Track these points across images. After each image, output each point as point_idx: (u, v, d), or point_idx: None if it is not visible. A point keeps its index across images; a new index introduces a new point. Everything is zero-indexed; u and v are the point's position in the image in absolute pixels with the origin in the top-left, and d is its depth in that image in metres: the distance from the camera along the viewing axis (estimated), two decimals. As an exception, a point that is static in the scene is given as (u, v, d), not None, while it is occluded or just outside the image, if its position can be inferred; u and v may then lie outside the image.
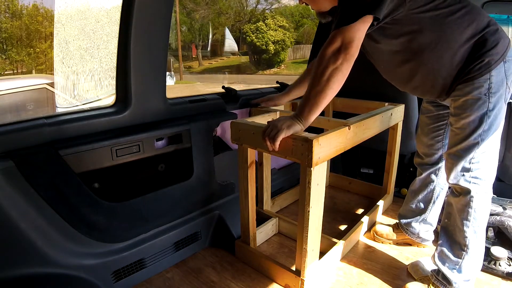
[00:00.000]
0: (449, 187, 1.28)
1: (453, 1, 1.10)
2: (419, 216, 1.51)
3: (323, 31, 2.32)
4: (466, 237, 1.18)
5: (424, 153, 1.46)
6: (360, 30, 1.02)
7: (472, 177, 1.16)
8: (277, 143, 1.10)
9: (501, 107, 1.13)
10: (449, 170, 1.21)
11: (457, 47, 1.10)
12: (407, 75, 1.23)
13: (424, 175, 1.47)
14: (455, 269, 1.21)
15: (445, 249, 1.24)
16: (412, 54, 1.16)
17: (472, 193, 1.16)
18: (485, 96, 1.10)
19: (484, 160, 1.15)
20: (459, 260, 1.20)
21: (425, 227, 1.52)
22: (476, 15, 1.11)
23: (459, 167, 1.17)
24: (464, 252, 1.19)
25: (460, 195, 1.20)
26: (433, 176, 1.45)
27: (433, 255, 1.29)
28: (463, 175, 1.17)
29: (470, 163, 1.15)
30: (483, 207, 1.17)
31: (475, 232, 1.18)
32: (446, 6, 1.09)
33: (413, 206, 1.52)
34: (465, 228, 1.18)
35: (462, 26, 1.09)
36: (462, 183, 1.17)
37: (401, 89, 1.34)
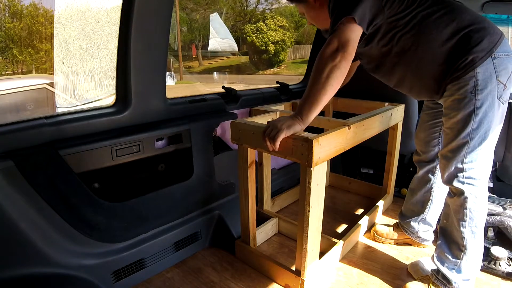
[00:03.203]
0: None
1: (432, 4, 1.12)
2: (417, 216, 1.51)
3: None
4: (464, 238, 1.18)
5: (421, 150, 1.47)
6: (353, 30, 1.05)
7: (465, 177, 1.16)
8: (277, 143, 1.10)
9: (492, 104, 1.11)
10: (442, 171, 1.22)
11: (437, 47, 1.11)
12: (398, 79, 1.26)
13: (421, 173, 1.48)
14: (454, 269, 1.21)
15: (443, 250, 1.24)
16: (397, 58, 1.19)
17: (466, 194, 1.16)
18: (471, 94, 1.09)
19: (477, 160, 1.15)
20: (458, 260, 1.20)
21: (424, 227, 1.52)
22: (457, 14, 1.11)
23: (451, 168, 1.17)
24: (462, 253, 1.19)
25: (455, 196, 1.20)
26: (430, 175, 1.46)
27: (433, 256, 1.29)
28: (457, 175, 1.17)
29: (462, 163, 1.15)
30: (479, 207, 1.17)
31: (473, 232, 1.18)
32: (424, 9, 1.11)
33: (412, 205, 1.53)
34: (462, 228, 1.18)
35: (441, 26, 1.10)
36: (456, 184, 1.17)
37: (401, 91, 1.35)
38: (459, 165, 1.16)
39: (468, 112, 1.11)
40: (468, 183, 1.16)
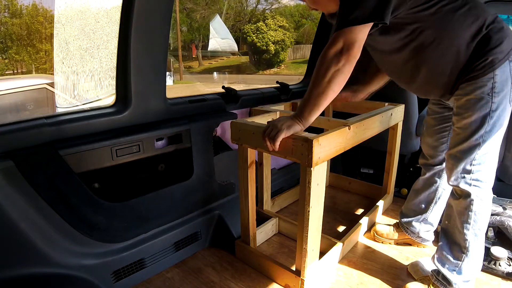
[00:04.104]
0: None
1: None
2: (420, 216, 1.51)
3: (323, 33, 2.32)
4: (467, 240, 1.17)
5: (428, 154, 1.44)
6: (362, 31, 1.00)
7: (473, 179, 1.15)
8: (277, 143, 1.10)
9: (505, 107, 1.10)
10: (449, 171, 1.20)
11: (460, 44, 1.07)
12: (410, 75, 1.21)
13: (427, 175, 1.46)
14: (455, 270, 1.20)
15: (445, 251, 1.23)
16: (414, 52, 1.13)
17: (472, 196, 1.15)
18: (488, 96, 1.07)
19: (485, 162, 1.13)
20: (459, 262, 1.19)
21: (426, 227, 1.52)
22: (480, 11, 1.08)
23: (459, 169, 1.16)
24: (464, 255, 1.18)
25: (460, 198, 1.19)
26: (436, 178, 1.44)
27: (433, 256, 1.29)
28: (464, 177, 1.15)
29: (471, 164, 1.14)
30: (483, 210, 1.16)
31: (476, 235, 1.17)
32: (449, 3, 1.06)
33: (415, 205, 1.52)
34: (465, 231, 1.17)
35: (466, 23, 1.06)
36: (463, 185, 1.16)
37: (407, 89, 1.32)
38: (468, 167, 1.14)
39: (483, 114, 1.08)
40: (475, 185, 1.14)
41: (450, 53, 1.09)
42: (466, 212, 1.16)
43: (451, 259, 1.21)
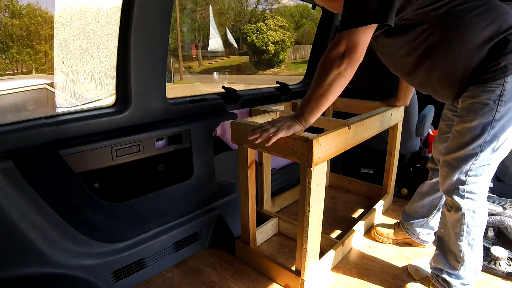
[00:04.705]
0: None
1: None
2: (422, 219, 1.50)
3: (323, 33, 2.32)
4: (461, 250, 1.15)
5: (438, 159, 1.40)
6: (365, 33, 0.96)
7: (466, 192, 1.09)
8: (274, 140, 1.07)
9: (511, 119, 1.02)
10: (443, 179, 1.15)
11: (474, 48, 1.00)
12: (422, 81, 1.16)
13: (434, 180, 1.44)
14: (453, 275, 1.19)
15: (441, 258, 1.22)
16: (424, 57, 1.08)
17: (463, 210, 1.10)
18: (493, 104, 1.00)
19: (482, 174, 1.08)
20: (456, 270, 1.18)
21: (426, 230, 1.52)
22: (498, 13, 1.00)
23: (453, 178, 1.10)
24: (459, 264, 1.17)
25: (451, 210, 1.15)
26: None
27: (431, 262, 1.28)
28: (457, 188, 1.10)
29: (466, 175, 1.08)
30: (477, 222, 1.13)
31: (469, 244, 1.14)
32: (462, 3, 0.99)
33: (418, 207, 1.51)
34: (459, 242, 1.14)
35: (480, 26, 0.99)
36: (455, 197, 1.11)
37: (424, 93, 1.27)
38: (462, 177, 1.09)
39: (485, 122, 1.02)
40: (468, 198, 1.10)
41: (462, 58, 1.03)
42: (458, 225, 1.13)
43: (448, 267, 1.20)
